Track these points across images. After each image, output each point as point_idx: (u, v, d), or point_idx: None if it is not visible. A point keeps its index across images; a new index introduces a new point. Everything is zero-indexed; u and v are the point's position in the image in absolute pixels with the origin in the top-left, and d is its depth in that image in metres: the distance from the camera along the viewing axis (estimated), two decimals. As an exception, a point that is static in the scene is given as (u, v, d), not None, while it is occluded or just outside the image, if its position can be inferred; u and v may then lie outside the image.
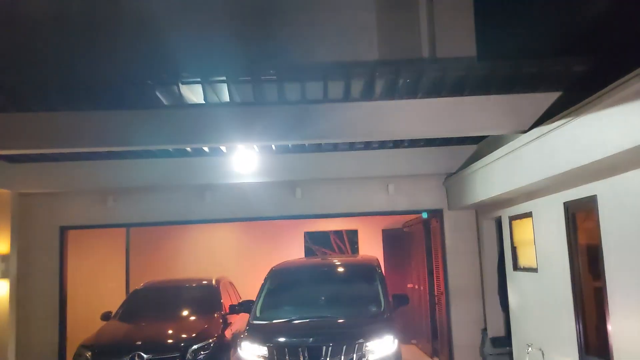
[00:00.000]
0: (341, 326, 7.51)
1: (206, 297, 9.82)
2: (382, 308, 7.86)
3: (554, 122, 5.34)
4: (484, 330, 8.82)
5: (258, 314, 8.02)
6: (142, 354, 8.05)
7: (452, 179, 8.97)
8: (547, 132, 5.47)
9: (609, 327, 5.09)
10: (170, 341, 8.48)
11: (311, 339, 7.04)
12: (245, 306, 8.58)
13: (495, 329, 8.55)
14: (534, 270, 6.78)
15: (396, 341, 7.16)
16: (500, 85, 6.17)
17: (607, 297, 5.08)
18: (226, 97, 6.07)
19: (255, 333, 7.46)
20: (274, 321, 7.76)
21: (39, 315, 9.00)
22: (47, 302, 9.09)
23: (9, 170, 8.58)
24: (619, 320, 4.94)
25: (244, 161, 8.69)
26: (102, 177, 8.82)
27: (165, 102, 5.97)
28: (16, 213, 8.72)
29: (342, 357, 6.82)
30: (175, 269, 12.50)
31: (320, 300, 8.27)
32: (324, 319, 7.68)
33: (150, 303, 9.81)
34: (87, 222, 9.39)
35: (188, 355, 8.18)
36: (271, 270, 8.78)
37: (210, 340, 8.50)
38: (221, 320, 9.28)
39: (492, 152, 7.00)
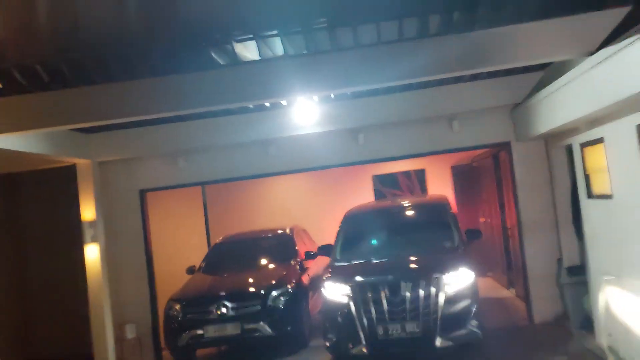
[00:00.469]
0: (417, 263, 7.86)
1: (282, 246, 10.17)
2: (456, 243, 8.17)
3: (622, 40, 5.03)
4: (559, 260, 8.67)
5: (338, 257, 8.41)
6: (227, 303, 8.50)
7: (519, 109, 8.68)
8: (616, 52, 5.16)
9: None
10: (251, 290, 8.89)
11: (390, 276, 7.42)
12: (325, 250, 8.98)
13: (571, 259, 8.40)
14: (609, 197, 6.56)
15: (472, 273, 7.42)
16: (561, 7, 5.82)
17: (687, 220, 4.88)
18: (280, 51, 6.07)
19: (338, 274, 7.88)
20: (354, 262, 8.12)
21: (128, 274, 9.57)
22: (135, 262, 9.62)
23: (86, 141, 9.05)
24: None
25: (305, 112, 8.71)
26: (171, 140, 9.14)
27: (221, 62, 6.05)
28: (98, 181, 9.22)
29: (421, 291, 7.18)
30: (252, 221, 12.85)
31: (395, 240, 8.64)
32: (400, 257, 8.00)
33: (230, 255, 10.27)
34: (163, 184, 9.79)
35: (269, 301, 8.57)
36: (345, 215, 9.15)
37: (289, 287, 8.85)
38: (298, 267, 9.60)
39: (558, 78, 6.70)
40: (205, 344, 8.79)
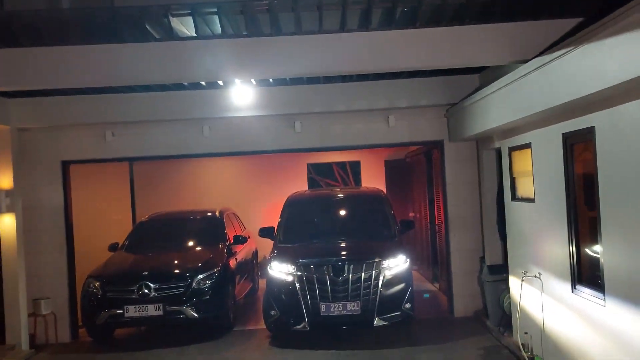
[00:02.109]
0: (359, 247, 8.47)
1: (211, 228, 10.03)
2: (393, 232, 8.85)
3: (554, 51, 5.16)
4: (482, 258, 8.93)
5: (282, 239, 8.85)
6: (149, 283, 8.28)
7: (453, 110, 8.82)
8: (547, 62, 5.30)
9: (601, 258, 5.12)
10: (176, 271, 8.70)
11: (334, 257, 8.00)
12: (266, 232, 9.30)
13: (493, 258, 8.65)
14: (532, 200, 6.77)
15: (408, 260, 8.12)
16: (502, 13, 5.93)
17: (600, 228, 5.08)
18: (218, 30, 5.88)
19: (283, 254, 8.31)
20: (298, 244, 8.64)
21: (47, 248, 9.14)
22: (54, 235, 9.20)
23: (6, 105, 8.47)
24: (611, 251, 4.96)
25: (242, 94, 8.55)
26: (100, 111, 8.70)
27: (156, 35, 5.80)
28: (16, 148, 8.68)
29: (362, 273, 7.76)
30: (182, 201, 12.67)
31: (337, 226, 9.30)
32: (342, 242, 8.68)
33: (156, 234, 10.03)
34: (88, 157, 9.33)
35: (194, 284, 8.42)
36: (288, 199, 9.55)
37: (215, 270, 8.72)
38: (226, 251, 9.47)
39: (493, 82, 6.83)
40: (124, 324, 8.56)
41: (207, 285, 8.50)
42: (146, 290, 8.22)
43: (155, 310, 8.16)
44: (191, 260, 8.96)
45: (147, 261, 9.12)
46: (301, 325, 7.76)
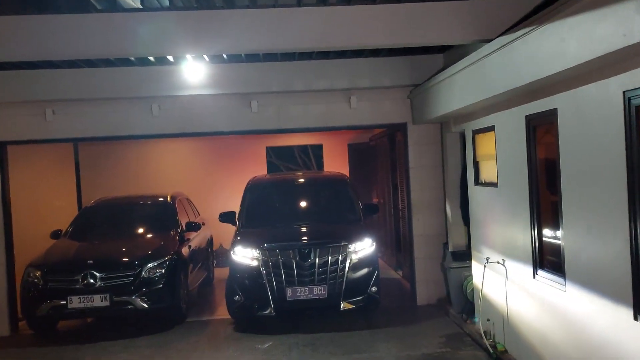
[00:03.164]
0: (325, 231, 8.70)
1: (161, 214, 9.94)
2: (358, 216, 9.16)
3: (517, 30, 5.23)
4: (445, 244, 9.07)
5: (244, 223, 9.05)
6: (95, 272, 8.15)
7: (417, 91, 8.88)
8: (510, 42, 5.36)
9: (562, 243, 5.26)
10: (124, 259, 8.59)
11: (300, 241, 8.27)
12: (227, 217, 9.35)
13: (457, 243, 8.79)
14: (495, 185, 6.90)
15: (374, 244, 8.40)
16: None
17: (562, 213, 5.22)
18: (166, 1, 5.77)
19: (247, 238, 8.48)
20: (262, 228, 8.82)
21: (-18, 234, 8.90)
22: (-10, 222, 8.97)
23: None
24: (572, 236, 5.10)
25: (194, 71, 8.46)
26: (38, 87, 8.44)
27: (97, 5, 5.65)
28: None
29: (329, 257, 7.99)
30: (131, 186, 12.50)
31: (301, 210, 9.60)
32: (307, 226, 8.90)
33: (102, 221, 9.89)
34: (26, 137, 9.03)
35: (143, 273, 8.33)
36: (250, 183, 9.66)
37: (166, 258, 8.64)
38: (177, 238, 9.39)
39: (457, 62, 6.90)
40: (68, 316, 8.40)
41: (157, 274, 8.42)
42: (91, 280, 8.10)
43: (102, 301, 8.05)
44: (140, 248, 8.86)
45: (93, 249, 8.98)
46: (267, 311, 7.94)
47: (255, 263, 8.06)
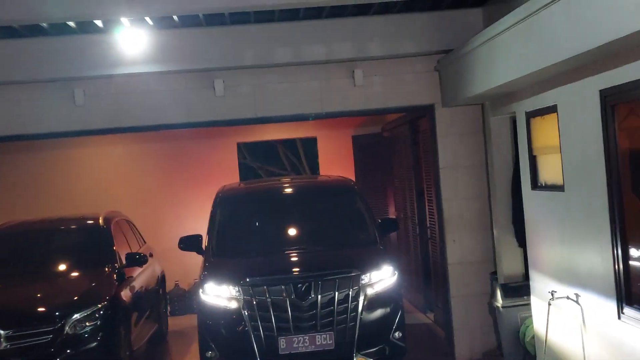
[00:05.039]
0: (328, 257, 8.81)
1: (91, 244, 9.95)
2: (372, 236, 9.19)
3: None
4: (494, 274, 9.07)
5: (215, 250, 9.06)
6: (0, 330, 8.11)
7: (447, 60, 8.90)
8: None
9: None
10: (40, 309, 8.59)
11: (295, 273, 8.39)
12: (189, 242, 9.35)
13: (509, 273, 8.79)
14: (560, 188, 6.90)
15: (396, 272, 8.41)
16: None
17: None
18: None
19: (220, 272, 8.53)
20: (240, 257, 8.89)
21: None
22: None
23: None
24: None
25: (133, 41, 8.51)
26: None
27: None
28: None
29: (336, 293, 7.99)
30: (48, 206, 12.49)
31: (294, 230, 9.75)
32: (303, 250, 9.08)
33: (8, 254, 9.89)
34: None
35: (67, 328, 8.30)
36: (220, 195, 9.72)
37: (99, 306, 8.61)
38: (115, 276, 9.36)
39: (502, 18, 6.91)
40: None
41: (87, 330, 8.37)
42: (-5, 341, 8.05)
43: (9, 370, 8.01)
44: (62, 293, 8.85)
45: (-4, 296, 8.95)
46: None
47: (233, 305, 8.08)
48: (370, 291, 8.12)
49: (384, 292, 8.23)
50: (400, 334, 8.22)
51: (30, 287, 9.03)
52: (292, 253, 9.01)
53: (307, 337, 7.89)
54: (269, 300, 7.97)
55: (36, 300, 8.76)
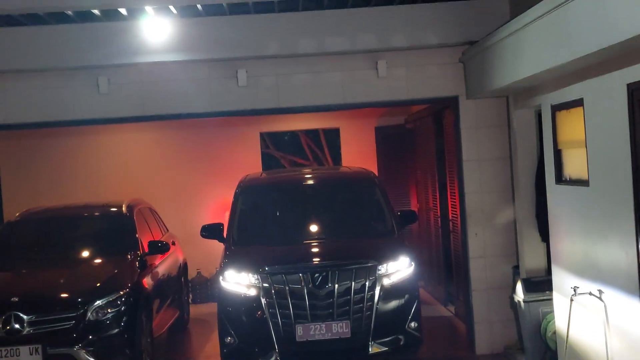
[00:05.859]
0: (346, 248, 9.02)
1: (114, 231, 10.00)
2: (390, 226, 9.41)
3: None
4: (515, 268, 9.04)
5: (237, 238, 9.29)
6: (21, 314, 8.19)
7: (472, 51, 8.86)
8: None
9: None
10: (62, 296, 8.63)
11: (313, 263, 8.57)
12: (211, 231, 9.52)
13: (532, 268, 8.76)
14: (585, 183, 6.84)
15: (412, 263, 8.58)
16: None
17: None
18: None
19: (240, 260, 8.72)
20: (260, 245, 9.16)
21: None
22: None
23: None
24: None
25: (157, 30, 8.54)
26: None
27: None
28: None
29: (352, 283, 8.15)
30: (71, 192, 12.60)
31: (313, 220, 9.84)
32: (322, 240, 9.28)
33: (31, 241, 9.98)
34: None
35: (89, 314, 8.37)
36: (242, 185, 9.90)
37: (121, 293, 8.67)
38: (137, 264, 9.42)
39: (529, 9, 6.84)
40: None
41: (109, 316, 8.43)
42: (16, 325, 8.11)
43: (31, 354, 8.05)
44: (85, 280, 8.90)
45: (18, 282, 9.07)
46: (272, 358, 8.12)
47: (252, 292, 8.24)
48: (386, 281, 8.27)
49: (400, 282, 8.36)
50: (416, 324, 8.35)
51: (53, 273, 9.10)
52: (310, 243, 9.16)
53: (323, 325, 8.03)
54: (287, 288, 8.13)
55: (59, 286, 8.81)
